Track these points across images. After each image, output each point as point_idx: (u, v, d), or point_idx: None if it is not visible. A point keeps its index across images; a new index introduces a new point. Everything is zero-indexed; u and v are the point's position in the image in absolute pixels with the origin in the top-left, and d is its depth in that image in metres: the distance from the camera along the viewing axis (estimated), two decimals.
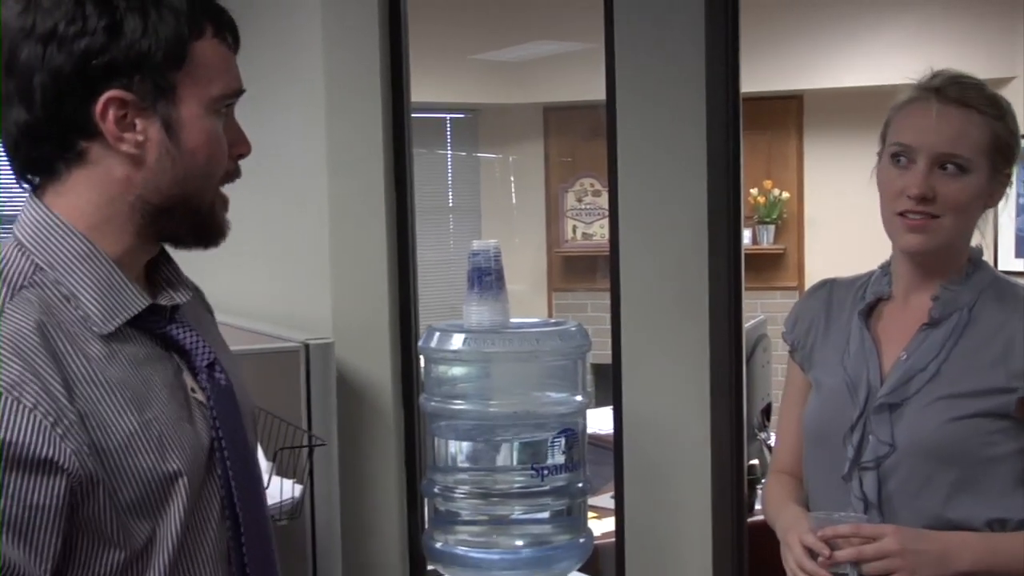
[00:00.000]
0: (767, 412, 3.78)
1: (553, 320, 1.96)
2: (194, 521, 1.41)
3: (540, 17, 7.26)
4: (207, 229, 1.45)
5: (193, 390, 1.44)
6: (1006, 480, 1.81)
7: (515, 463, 1.85)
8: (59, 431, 1.25)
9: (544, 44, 7.20)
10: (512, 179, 8.36)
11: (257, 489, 1.56)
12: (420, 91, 6.81)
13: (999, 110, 1.85)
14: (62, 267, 1.34)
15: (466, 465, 1.89)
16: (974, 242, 1.90)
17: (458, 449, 1.90)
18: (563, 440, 1.88)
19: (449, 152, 8.24)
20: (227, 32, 1.42)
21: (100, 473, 1.28)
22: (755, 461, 3.60)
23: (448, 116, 8.14)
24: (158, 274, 1.48)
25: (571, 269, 8.22)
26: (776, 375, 3.19)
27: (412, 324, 2.76)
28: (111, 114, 1.33)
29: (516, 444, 1.87)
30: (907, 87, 1.88)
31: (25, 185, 1.41)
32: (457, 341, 1.88)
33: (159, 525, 1.35)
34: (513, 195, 8.36)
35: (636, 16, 2.31)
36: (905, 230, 1.84)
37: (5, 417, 1.22)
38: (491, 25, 7.55)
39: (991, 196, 1.87)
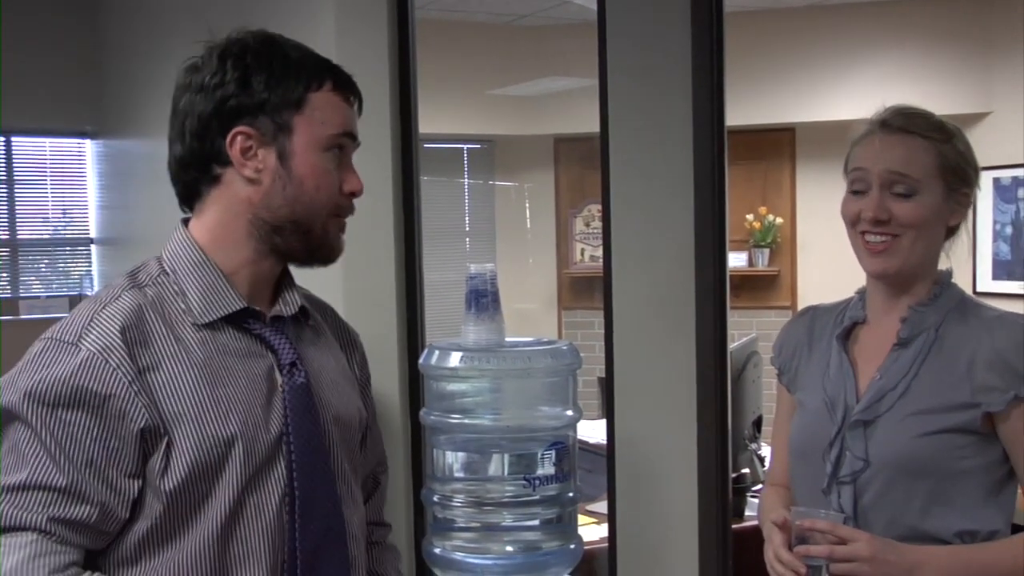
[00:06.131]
0: (758, 424, 3.75)
1: (546, 339, 1.93)
2: (254, 493, 1.56)
3: (549, 56, 7.26)
4: (318, 248, 1.67)
5: (282, 386, 1.62)
6: (975, 493, 1.78)
7: (507, 474, 1.83)
8: (135, 388, 1.48)
9: (554, 80, 7.20)
10: (527, 205, 8.35)
11: (326, 479, 1.67)
12: (440, 123, 6.90)
13: (945, 134, 1.84)
14: (181, 272, 1.60)
15: (462, 475, 1.86)
16: (943, 266, 1.88)
17: (454, 460, 1.87)
18: (554, 452, 1.84)
19: (466, 180, 8.25)
20: (344, 87, 1.66)
21: (168, 428, 1.49)
22: (746, 470, 3.56)
23: (466, 146, 8.15)
24: (281, 293, 1.70)
25: (579, 289, 8.20)
26: (768, 388, 3.15)
27: (418, 342, 2.73)
28: (238, 145, 1.59)
29: (509, 456, 1.84)
30: (863, 122, 1.89)
31: (186, 209, 1.68)
32: (455, 359, 1.86)
33: (216, 486, 1.52)
34: (528, 220, 8.35)
35: (628, 54, 2.29)
36: (868, 255, 1.83)
37: (96, 373, 1.46)
38: (505, 63, 7.56)
39: (951, 215, 1.85)
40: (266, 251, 1.64)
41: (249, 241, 1.63)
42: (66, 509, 1.44)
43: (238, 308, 1.60)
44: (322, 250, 1.68)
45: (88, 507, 1.46)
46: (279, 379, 1.62)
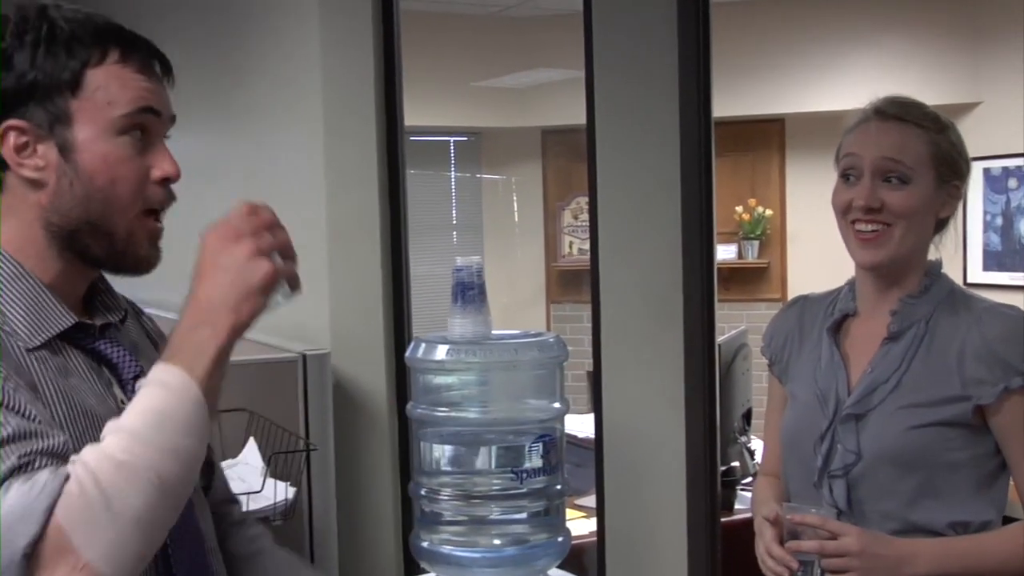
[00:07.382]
0: (747, 417, 3.76)
1: (533, 331, 1.94)
2: None
3: (536, 47, 7.27)
4: (124, 256, 1.42)
5: (123, 402, 1.41)
6: (967, 484, 1.79)
7: (494, 467, 1.84)
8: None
9: (541, 72, 7.20)
10: (515, 198, 8.35)
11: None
12: (426, 116, 6.89)
13: (939, 125, 1.84)
14: None
15: (449, 468, 1.87)
16: (932, 257, 1.89)
17: (442, 453, 1.88)
18: (541, 445, 1.85)
19: (453, 173, 8.24)
20: (137, 56, 1.39)
21: None
22: (736, 463, 3.57)
23: (452, 139, 8.15)
24: (96, 297, 1.49)
25: (568, 282, 8.21)
26: (758, 381, 3.17)
27: (405, 335, 2.75)
28: (11, 142, 1.34)
29: (496, 449, 1.85)
30: (855, 112, 1.89)
31: None
32: (441, 352, 1.87)
33: None
34: (515, 213, 8.36)
35: (614, 45, 2.30)
36: (859, 246, 1.83)
37: None
38: (491, 55, 7.57)
39: (942, 207, 1.85)
40: (73, 258, 1.41)
41: (51, 250, 1.39)
42: (35, 443, 1.24)
43: (70, 324, 1.39)
44: (127, 257, 1.42)
45: (57, 438, 1.25)
46: (118, 394, 1.43)
